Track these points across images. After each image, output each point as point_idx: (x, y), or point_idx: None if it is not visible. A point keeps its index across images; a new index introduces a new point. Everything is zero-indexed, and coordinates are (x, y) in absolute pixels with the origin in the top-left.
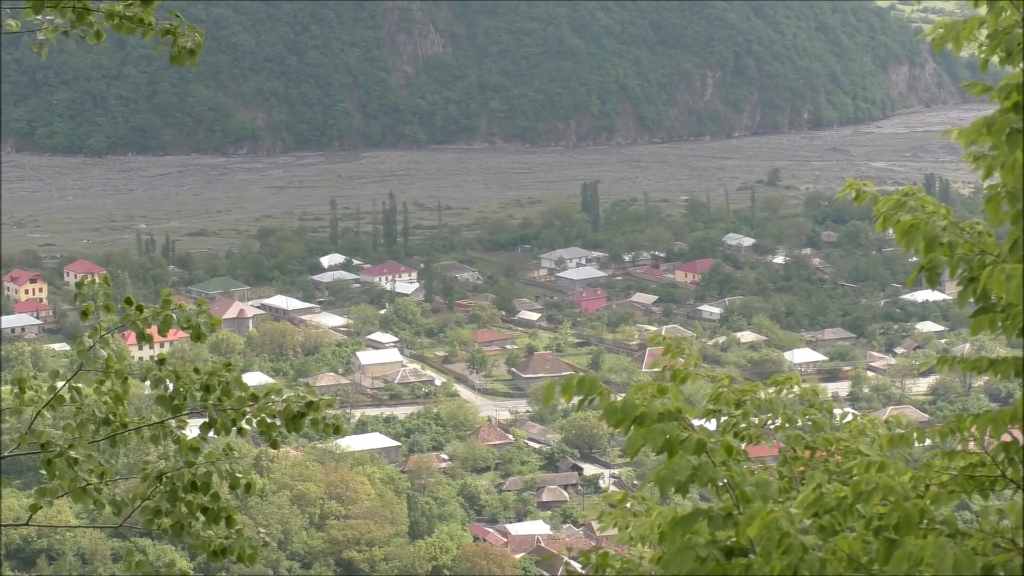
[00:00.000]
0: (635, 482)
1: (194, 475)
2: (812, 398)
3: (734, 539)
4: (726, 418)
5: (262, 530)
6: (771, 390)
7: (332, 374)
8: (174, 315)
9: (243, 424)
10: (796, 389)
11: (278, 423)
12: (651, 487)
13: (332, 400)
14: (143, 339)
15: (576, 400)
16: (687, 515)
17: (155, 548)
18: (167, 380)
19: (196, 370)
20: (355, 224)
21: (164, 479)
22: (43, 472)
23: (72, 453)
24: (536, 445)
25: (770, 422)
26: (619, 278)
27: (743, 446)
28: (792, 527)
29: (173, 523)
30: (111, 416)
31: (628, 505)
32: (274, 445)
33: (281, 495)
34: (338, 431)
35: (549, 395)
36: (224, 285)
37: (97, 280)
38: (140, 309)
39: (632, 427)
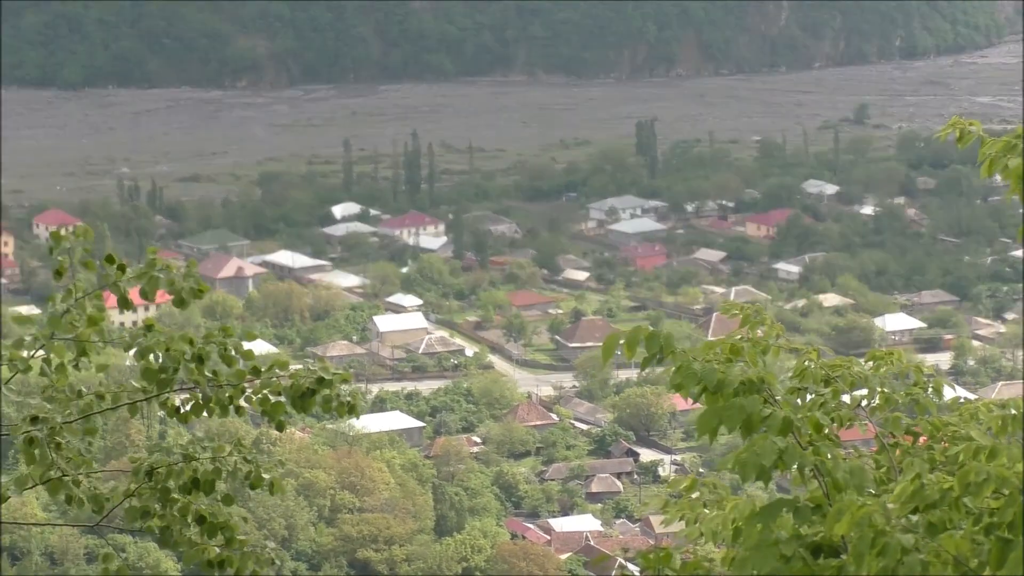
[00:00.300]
0: (701, 470)
1: (195, 473)
2: (916, 375)
3: (822, 534)
4: (812, 397)
5: (270, 544)
6: (867, 366)
7: (345, 343)
8: (160, 277)
9: (241, 402)
10: (897, 364)
11: (283, 401)
12: (722, 474)
13: (348, 376)
14: (125, 304)
15: (641, 359)
16: (769, 505)
17: (136, 547)
18: (155, 350)
19: (190, 341)
20: (372, 169)
21: (155, 475)
22: (19, 457)
23: (58, 437)
24: (584, 426)
25: (864, 402)
26: (680, 231)
27: (833, 427)
28: (889, 524)
29: (162, 527)
30: (83, 389)
31: (696, 495)
32: (279, 427)
33: (285, 484)
34: (353, 411)
35: (610, 349)
36: (220, 239)
37: (75, 232)
38: (122, 269)
39: (704, 397)
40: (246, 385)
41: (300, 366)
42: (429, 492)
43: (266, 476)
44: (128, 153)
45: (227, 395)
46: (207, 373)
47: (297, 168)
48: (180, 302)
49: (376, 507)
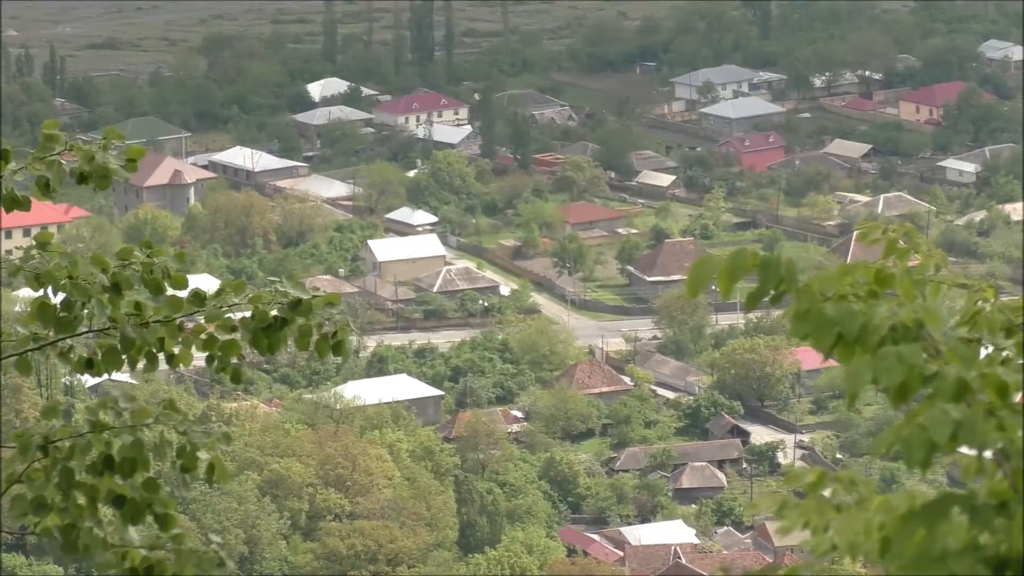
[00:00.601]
0: (838, 455)
1: (107, 448)
2: None
3: (1007, 544)
4: (990, 351)
5: (215, 539)
6: None
7: (328, 277)
8: (64, 163)
9: (176, 349)
10: None
11: (238, 339)
12: (861, 464)
13: (335, 297)
14: (15, 204)
15: (747, 295)
16: (931, 503)
17: (33, 568)
18: (55, 278)
19: (103, 268)
20: (365, 29)
21: (52, 451)
22: None
23: None
24: (671, 394)
25: None
26: (805, 116)
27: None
28: None
29: (65, 526)
30: None
31: (828, 492)
32: (236, 378)
33: (244, 479)
34: (339, 349)
35: (701, 280)
36: (148, 130)
37: None
38: (6, 157)
39: (839, 350)
40: (185, 321)
41: (263, 290)
42: (450, 490)
43: (203, 455)
44: (16, 10)
45: (157, 337)
46: (127, 309)
47: (257, 29)
48: (102, 180)
49: (374, 512)
